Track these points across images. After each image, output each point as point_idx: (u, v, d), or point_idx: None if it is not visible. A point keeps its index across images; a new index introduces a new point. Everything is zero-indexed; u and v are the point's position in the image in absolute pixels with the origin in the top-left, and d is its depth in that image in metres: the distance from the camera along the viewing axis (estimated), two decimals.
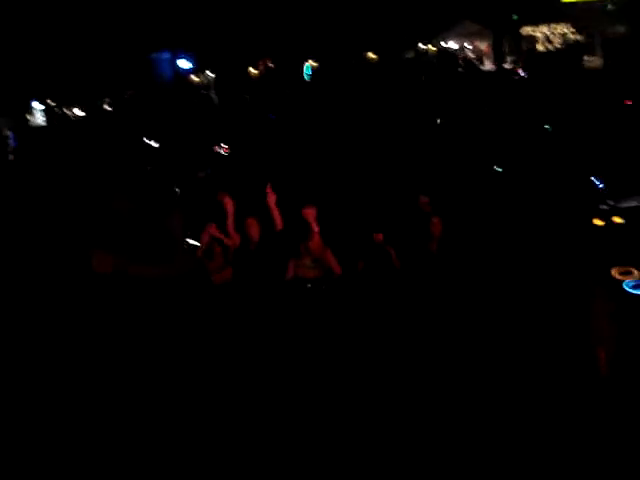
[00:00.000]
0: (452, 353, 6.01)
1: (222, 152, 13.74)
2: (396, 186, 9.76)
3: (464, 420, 5.23)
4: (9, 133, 24.04)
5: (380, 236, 7.39)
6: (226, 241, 7.72)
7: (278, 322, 6.98)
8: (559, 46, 30.70)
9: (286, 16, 30.71)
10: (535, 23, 31.80)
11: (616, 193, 5.34)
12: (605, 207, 5.15)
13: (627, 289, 4.24)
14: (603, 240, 4.82)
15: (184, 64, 32.65)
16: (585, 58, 27.63)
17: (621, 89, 15.80)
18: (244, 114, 22.04)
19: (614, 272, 4.39)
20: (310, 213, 7.73)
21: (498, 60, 29.33)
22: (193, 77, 33.67)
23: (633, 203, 5.11)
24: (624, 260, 4.45)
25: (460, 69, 27.71)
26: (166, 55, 32.12)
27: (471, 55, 32.19)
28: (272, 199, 7.44)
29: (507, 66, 27.70)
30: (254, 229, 7.65)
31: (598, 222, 4.98)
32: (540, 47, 31.60)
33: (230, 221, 7.66)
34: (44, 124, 28.84)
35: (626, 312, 4.24)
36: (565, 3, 30.36)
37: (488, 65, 30.61)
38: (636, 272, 4.31)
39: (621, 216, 4.96)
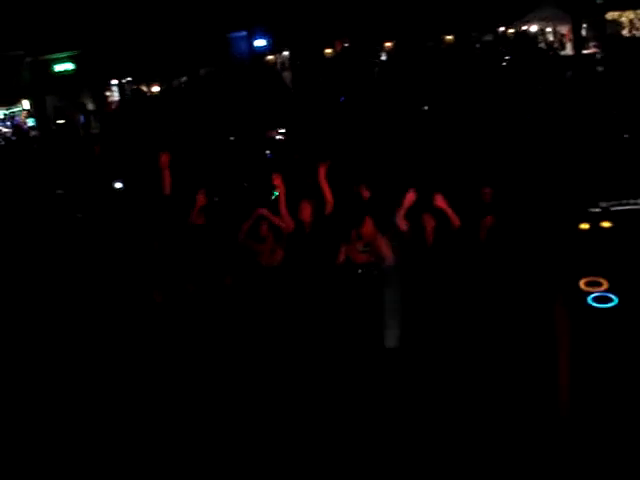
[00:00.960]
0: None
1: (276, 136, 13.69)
2: (459, 175, 9.62)
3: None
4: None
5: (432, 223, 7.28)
6: (277, 222, 7.73)
7: (328, 305, 7.00)
8: None
9: None
10: (621, 8, 30.71)
11: (611, 194, 4.99)
12: (596, 210, 4.81)
13: (589, 302, 4.00)
14: (586, 246, 4.54)
15: (260, 43, 32.79)
16: None
17: None
18: (315, 94, 22.01)
19: (582, 283, 4.14)
20: (364, 192, 7.75)
21: (578, 45, 28.44)
22: (269, 56, 33.80)
23: (627, 206, 4.76)
24: (603, 268, 4.19)
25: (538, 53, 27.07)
26: (243, 34, 32.31)
27: (552, 39, 31.33)
28: (322, 174, 7.52)
29: (588, 51, 26.84)
30: (307, 212, 7.68)
31: (584, 226, 4.67)
32: (625, 32, 30.54)
33: (282, 203, 7.71)
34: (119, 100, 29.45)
35: (586, 325, 4.02)
36: None
37: (569, 50, 29.73)
38: (605, 283, 4.03)
39: (611, 220, 4.64)
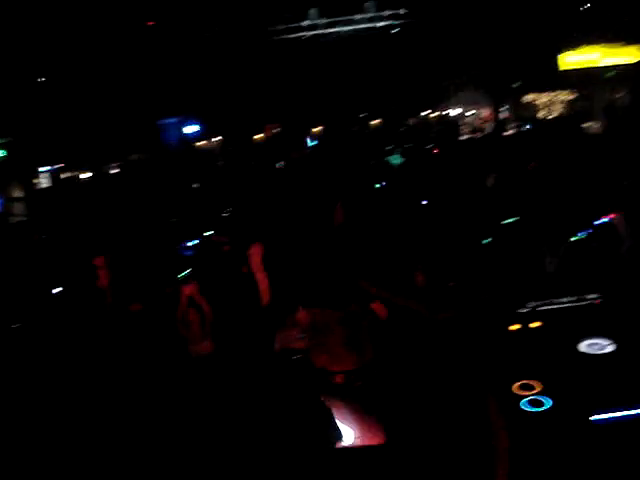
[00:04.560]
0: None
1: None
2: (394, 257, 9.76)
3: None
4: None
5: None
6: (205, 307, 7.62)
7: (262, 394, 6.92)
8: (560, 113, 31.13)
9: (293, 83, 31.31)
10: (537, 90, 32.30)
11: (539, 294, 5.04)
12: (524, 310, 4.82)
13: (522, 407, 3.99)
14: (516, 347, 4.49)
15: (191, 129, 33.22)
16: (586, 124, 27.88)
17: (619, 154, 15.67)
18: (248, 179, 22.27)
19: (515, 387, 4.10)
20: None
21: (499, 127, 29.70)
22: (199, 142, 34.20)
23: (555, 305, 4.81)
24: (534, 369, 4.20)
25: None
26: (173, 120, 32.69)
27: (474, 121, 32.62)
28: (256, 259, 6.81)
29: (508, 133, 27.98)
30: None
31: (514, 327, 4.62)
32: (541, 114, 32.04)
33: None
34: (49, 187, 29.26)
35: (520, 431, 4.03)
36: (566, 71, 30.83)
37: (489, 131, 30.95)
38: (538, 386, 4.02)
39: (540, 320, 4.64)
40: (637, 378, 4.08)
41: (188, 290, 7.68)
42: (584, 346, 4.21)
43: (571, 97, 31.76)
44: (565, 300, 4.74)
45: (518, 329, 4.64)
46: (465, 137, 28.72)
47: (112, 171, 30.76)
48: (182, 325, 7.64)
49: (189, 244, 11.36)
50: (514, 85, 31.16)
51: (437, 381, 5.32)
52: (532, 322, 4.67)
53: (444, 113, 32.64)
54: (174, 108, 31.24)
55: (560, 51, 29.90)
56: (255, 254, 6.95)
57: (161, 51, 29.25)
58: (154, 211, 16.56)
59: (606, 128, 25.76)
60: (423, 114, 33.04)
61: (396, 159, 22.53)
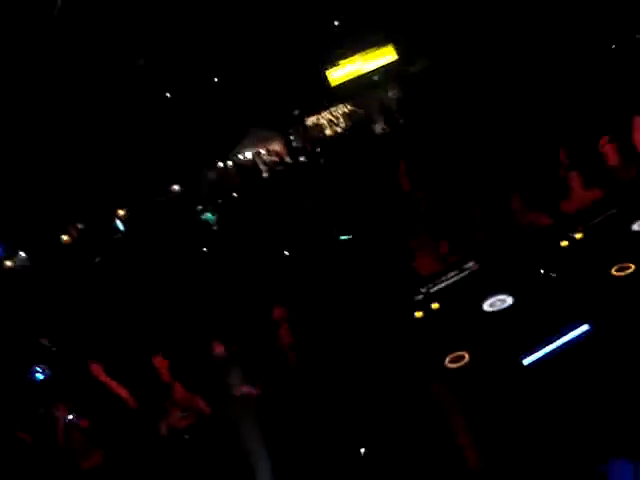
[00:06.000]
0: None
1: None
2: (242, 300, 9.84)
3: None
4: None
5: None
6: (82, 424, 7.41)
7: None
8: (344, 126, 32.34)
9: (83, 175, 30.42)
10: (315, 112, 33.38)
11: (427, 279, 5.28)
12: (420, 297, 4.98)
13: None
14: (429, 330, 4.65)
15: None
16: (372, 127, 29.14)
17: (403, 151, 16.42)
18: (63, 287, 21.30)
19: (447, 362, 4.23)
20: (161, 363, 7.64)
21: (293, 156, 30.40)
22: (7, 263, 32.44)
23: (439, 285, 4.98)
24: (455, 344, 4.34)
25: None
26: None
27: (269, 158, 33.10)
28: (99, 374, 7.34)
29: (303, 159, 28.64)
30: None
31: (419, 314, 4.76)
32: (328, 132, 33.12)
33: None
34: None
35: (469, 401, 4.18)
36: (337, 86, 32.18)
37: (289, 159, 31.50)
38: (467, 355, 4.12)
39: (437, 301, 4.82)
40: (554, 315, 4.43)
41: (61, 413, 7.44)
42: (487, 306, 4.39)
43: (350, 108, 33.11)
44: (450, 275, 4.96)
45: (424, 314, 4.78)
46: (265, 175, 29.19)
47: None
48: (66, 446, 7.36)
49: (38, 368, 10.71)
50: (295, 112, 32.09)
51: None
52: (432, 304, 4.87)
53: (241, 158, 32.99)
54: None
55: (326, 69, 31.27)
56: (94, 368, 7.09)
57: None
58: None
59: (387, 126, 27.23)
60: (220, 165, 33.14)
61: (210, 215, 22.66)
